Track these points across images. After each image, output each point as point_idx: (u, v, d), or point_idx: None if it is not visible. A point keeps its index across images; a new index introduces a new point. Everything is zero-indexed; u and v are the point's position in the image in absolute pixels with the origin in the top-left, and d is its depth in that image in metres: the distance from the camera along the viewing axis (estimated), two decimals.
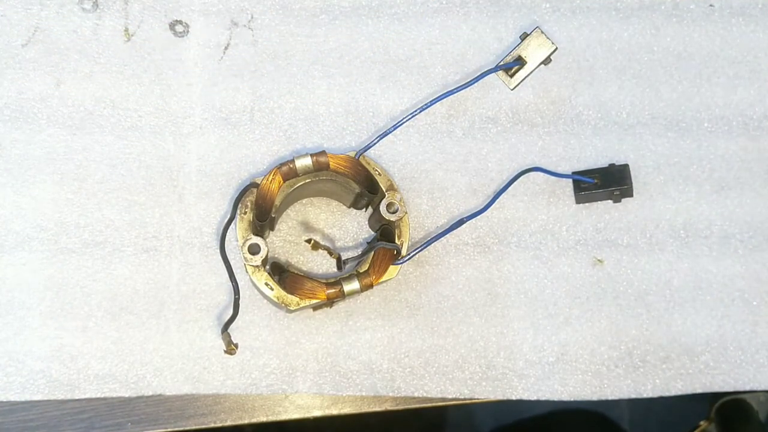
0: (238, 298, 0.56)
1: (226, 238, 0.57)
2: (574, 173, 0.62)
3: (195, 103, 0.62)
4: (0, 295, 0.59)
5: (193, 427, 0.60)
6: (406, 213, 0.57)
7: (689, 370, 0.61)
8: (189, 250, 0.60)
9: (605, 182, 0.61)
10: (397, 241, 0.57)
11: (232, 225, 0.57)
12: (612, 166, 0.62)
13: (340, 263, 0.58)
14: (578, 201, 0.62)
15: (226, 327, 0.57)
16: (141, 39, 0.62)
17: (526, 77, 0.62)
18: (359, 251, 0.61)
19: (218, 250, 0.57)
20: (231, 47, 0.63)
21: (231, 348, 0.57)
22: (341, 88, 0.63)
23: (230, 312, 0.56)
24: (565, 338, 0.61)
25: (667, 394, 0.61)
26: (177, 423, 0.60)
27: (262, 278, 0.56)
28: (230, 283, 0.56)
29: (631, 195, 0.62)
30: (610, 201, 0.62)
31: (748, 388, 0.62)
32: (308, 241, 0.59)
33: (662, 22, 0.64)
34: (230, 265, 0.56)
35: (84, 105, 0.61)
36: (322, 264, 0.61)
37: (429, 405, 0.62)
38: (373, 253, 0.56)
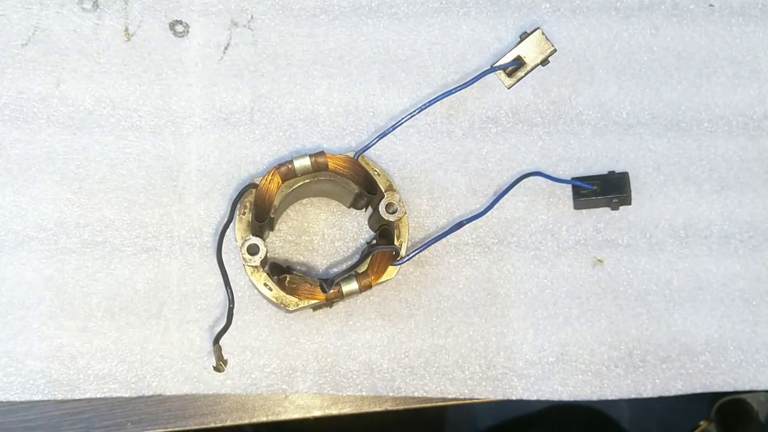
0: (233, 307, 0.55)
1: (228, 239, 0.57)
2: (573, 179, 0.62)
3: (195, 103, 0.62)
4: (0, 295, 0.59)
5: (193, 427, 0.60)
6: (405, 213, 0.57)
7: (689, 370, 0.61)
8: (189, 250, 0.60)
9: (604, 189, 0.61)
10: (396, 241, 0.57)
11: (231, 226, 0.57)
12: (612, 173, 0.62)
13: (323, 286, 0.56)
14: (577, 207, 0.62)
15: (218, 338, 0.56)
16: (141, 39, 0.62)
17: (523, 77, 0.61)
18: (358, 253, 0.61)
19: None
20: (231, 47, 0.63)
21: (220, 364, 0.56)
22: (341, 88, 0.63)
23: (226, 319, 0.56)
24: (565, 338, 0.61)
25: (667, 394, 0.61)
26: (177, 423, 0.60)
27: (261, 279, 0.56)
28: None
29: (629, 203, 0.61)
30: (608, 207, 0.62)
31: (748, 388, 0.62)
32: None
33: (662, 22, 0.64)
34: (226, 271, 0.55)
35: (84, 105, 0.61)
36: (323, 263, 0.61)
37: (429, 405, 0.62)
38: (371, 254, 0.56)
